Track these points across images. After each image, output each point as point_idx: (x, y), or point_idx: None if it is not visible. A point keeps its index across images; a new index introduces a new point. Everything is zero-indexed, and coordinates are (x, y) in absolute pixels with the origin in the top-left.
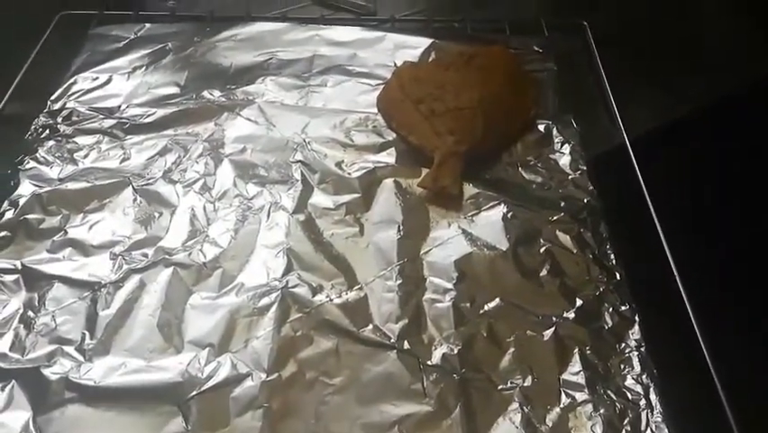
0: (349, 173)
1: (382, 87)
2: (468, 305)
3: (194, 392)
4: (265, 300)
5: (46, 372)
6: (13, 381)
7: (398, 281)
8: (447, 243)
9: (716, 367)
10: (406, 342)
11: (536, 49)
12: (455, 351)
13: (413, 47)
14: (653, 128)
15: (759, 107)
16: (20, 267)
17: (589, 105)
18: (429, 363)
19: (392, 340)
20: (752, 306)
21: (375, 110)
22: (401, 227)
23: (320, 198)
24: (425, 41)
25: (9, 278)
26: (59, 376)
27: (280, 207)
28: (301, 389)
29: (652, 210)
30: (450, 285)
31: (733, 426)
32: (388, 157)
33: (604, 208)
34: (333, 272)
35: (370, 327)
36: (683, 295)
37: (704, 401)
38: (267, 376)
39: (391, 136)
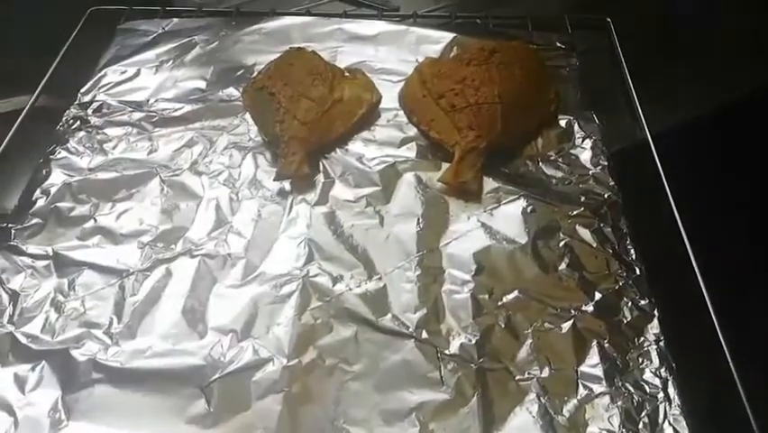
0: (370, 167)
1: (404, 82)
2: (486, 296)
3: (216, 376)
4: (286, 289)
5: (75, 353)
6: (44, 361)
7: (417, 272)
8: (466, 235)
9: (735, 362)
10: (424, 331)
11: (559, 45)
12: (473, 341)
13: (435, 42)
14: (675, 124)
15: None
16: (51, 253)
17: (612, 100)
18: (447, 352)
19: (410, 329)
20: None
21: (397, 105)
22: (420, 220)
23: (341, 191)
24: (447, 36)
25: (41, 263)
26: (87, 358)
27: (302, 199)
28: (321, 375)
29: (673, 206)
30: (468, 277)
31: (752, 421)
32: (409, 151)
33: (625, 204)
34: (352, 263)
35: (389, 316)
36: (703, 290)
37: (723, 396)
38: (287, 361)
39: (412, 131)
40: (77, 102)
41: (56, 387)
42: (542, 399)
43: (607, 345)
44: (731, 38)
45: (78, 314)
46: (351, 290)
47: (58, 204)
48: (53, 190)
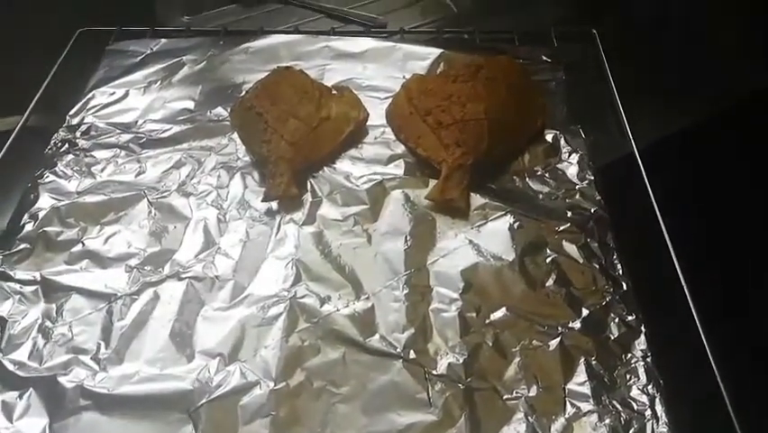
0: (357, 185)
1: (391, 99)
2: (474, 315)
3: (203, 400)
4: (274, 311)
5: (62, 380)
6: (31, 388)
7: (405, 291)
8: (454, 253)
9: (723, 378)
10: (411, 351)
11: (545, 58)
12: (461, 360)
13: (422, 58)
14: (663, 138)
15: None
16: (39, 278)
17: (598, 114)
18: (434, 372)
19: (398, 350)
20: (761, 317)
21: (384, 122)
22: (408, 238)
23: (329, 210)
24: (434, 52)
25: (28, 289)
26: (75, 384)
27: (290, 218)
28: (308, 397)
29: (660, 221)
30: (456, 295)
31: None
32: (397, 169)
33: (611, 218)
34: (340, 283)
35: (377, 336)
36: (691, 306)
37: (711, 413)
38: (275, 385)
39: (400, 148)
40: (65, 124)
41: (43, 415)
42: (529, 418)
43: (594, 362)
44: (719, 51)
45: (66, 340)
46: (338, 310)
47: (46, 228)
48: (41, 215)
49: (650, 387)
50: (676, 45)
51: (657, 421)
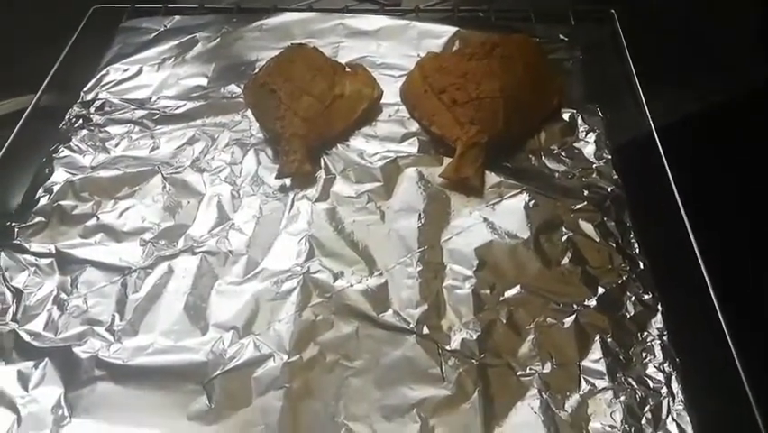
0: (371, 162)
1: (405, 77)
2: (488, 292)
3: (217, 372)
4: (287, 285)
5: (77, 350)
6: (47, 358)
7: (419, 268)
8: (468, 230)
9: (740, 357)
10: (425, 327)
11: (562, 37)
12: (474, 337)
13: (437, 36)
14: (681, 117)
15: None
16: (54, 251)
17: (616, 94)
18: (448, 348)
19: (411, 325)
20: None
21: (398, 100)
22: (422, 215)
23: (342, 187)
24: (449, 30)
25: (44, 261)
26: (90, 355)
27: (303, 195)
28: (321, 371)
29: (678, 199)
30: (470, 272)
31: (757, 416)
32: (411, 147)
33: (628, 198)
34: (353, 259)
35: (390, 312)
36: (708, 284)
37: (727, 391)
38: (288, 358)
39: (414, 126)
40: (79, 100)
41: (59, 384)
42: (543, 394)
43: (609, 339)
44: (738, 32)
45: (81, 311)
46: (352, 286)
47: (60, 202)
48: (56, 189)
49: (666, 365)
50: (695, 26)
51: (673, 399)
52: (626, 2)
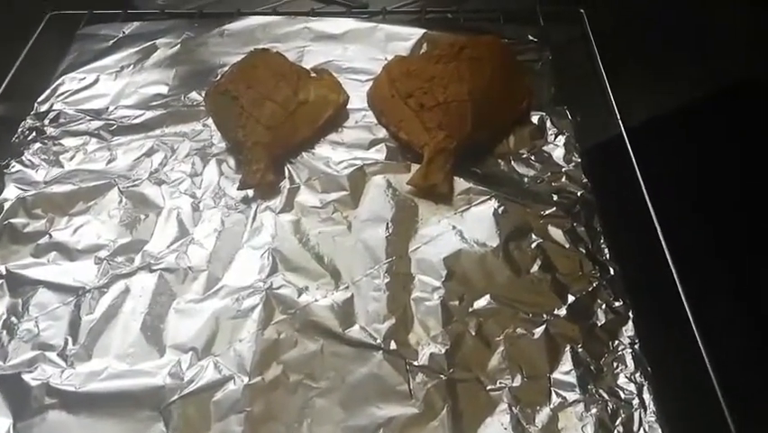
0: (337, 171)
1: (372, 81)
2: (456, 303)
3: (175, 397)
4: (249, 302)
5: (27, 378)
6: None
7: (386, 280)
8: (436, 239)
9: (712, 365)
10: (392, 342)
11: (532, 38)
12: (443, 351)
13: (405, 38)
14: (651, 119)
15: (758, 98)
16: (4, 272)
17: (586, 95)
18: (416, 363)
19: (378, 340)
20: (750, 302)
21: (365, 105)
22: (389, 225)
23: (307, 197)
24: (417, 32)
25: None
26: (40, 382)
27: (267, 206)
28: (284, 392)
29: (648, 203)
30: (438, 283)
31: (730, 425)
32: (378, 154)
33: (598, 201)
34: (319, 272)
35: (356, 327)
36: (680, 290)
37: (700, 400)
38: (249, 379)
39: (382, 132)
40: (33, 112)
41: (7, 415)
42: (513, 409)
43: (580, 350)
44: (708, 31)
45: (32, 336)
46: (317, 301)
47: (11, 220)
48: (6, 206)
49: (638, 375)
50: (665, 25)
51: (645, 410)
52: (595, 2)
